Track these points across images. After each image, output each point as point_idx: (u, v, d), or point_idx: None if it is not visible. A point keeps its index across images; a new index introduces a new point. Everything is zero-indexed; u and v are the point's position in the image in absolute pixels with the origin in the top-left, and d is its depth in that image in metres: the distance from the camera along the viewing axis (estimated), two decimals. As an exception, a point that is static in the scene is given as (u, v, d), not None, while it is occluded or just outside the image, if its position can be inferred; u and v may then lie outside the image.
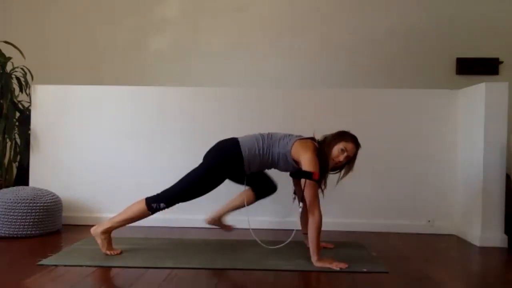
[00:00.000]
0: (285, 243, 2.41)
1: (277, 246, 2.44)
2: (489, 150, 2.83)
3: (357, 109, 3.24)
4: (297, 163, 2.33)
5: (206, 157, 2.45)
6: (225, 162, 2.38)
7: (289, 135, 2.43)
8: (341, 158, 2.29)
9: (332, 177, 2.42)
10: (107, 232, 2.39)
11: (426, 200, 3.20)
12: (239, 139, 2.42)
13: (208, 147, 2.84)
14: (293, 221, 3.02)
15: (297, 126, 2.98)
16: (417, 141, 3.22)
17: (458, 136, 3.18)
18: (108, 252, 2.38)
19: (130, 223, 2.42)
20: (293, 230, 2.45)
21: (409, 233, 3.14)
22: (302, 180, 2.27)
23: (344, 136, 2.32)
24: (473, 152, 2.96)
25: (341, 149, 2.28)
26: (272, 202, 3.16)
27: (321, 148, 2.33)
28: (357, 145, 2.33)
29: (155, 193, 2.41)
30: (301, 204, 2.42)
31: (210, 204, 3.04)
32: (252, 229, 2.49)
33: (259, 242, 2.47)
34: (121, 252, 2.41)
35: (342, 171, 2.39)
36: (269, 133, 2.46)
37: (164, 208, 2.38)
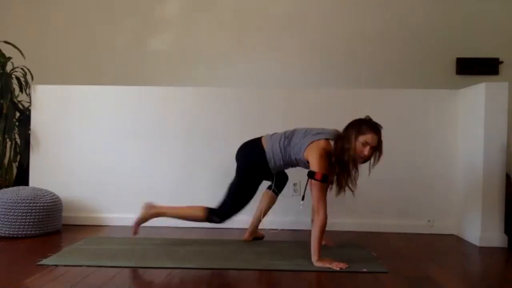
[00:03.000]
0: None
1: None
2: (489, 150, 2.83)
3: (357, 109, 3.21)
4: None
5: (238, 165, 2.56)
6: (256, 171, 2.52)
7: (304, 135, 2.40)
8: (366, 151, 2.22)
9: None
10: (156, 215, 2.56)
11: (426, 200, 3.20)
12: (266, 149, 2.48)
13: (208, 147, 2.84)
14: (293, 221, 3.03)
15: (297, 126, 2.98)
16: (417, 141, 3.22)
17: (458, 136, 3.18)
18: (136, 226, 2.55)
19: (180, 219, 2.60)
20: (298, 230, 2.48)
21: (409, 233, 3.14)
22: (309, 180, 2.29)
23: (360, 129, 2.24)
24: (473, 152, 2.96)
25: (362, 144, 2.22)
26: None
27: (342, 146, 2.26)
28: (377, 132, 2.24)
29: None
30: (301, 202, 2.42)
31: (209, 205, 3.04)
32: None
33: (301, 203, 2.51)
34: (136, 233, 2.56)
35: (372, 160, 2.32)
36: (288, 137, 2.47)
37: (217, 222, 2.53)
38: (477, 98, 2.93)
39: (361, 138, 2.22)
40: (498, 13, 3.93)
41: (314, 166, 2.26)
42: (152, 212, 2.55)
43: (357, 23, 4.02)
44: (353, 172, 2.30)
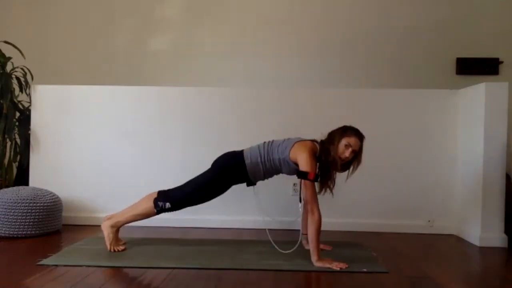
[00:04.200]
0: (296, 246, 2.40)
1: (290, 251, 2.40)
2: (489, 150, 2.83)
3: (357, 109, 3.24)
4: (297, 165, 2.33)
5: (214, 164, 2.49)
6: (230, 171, 2.43)
7: (288, 139, 2.44)
8: (347, 154, 2.28)
9: (341, 174, 2.42)
10: (114, 227, 2.45)
11: (426, 200, 3.20)
12: (244, 150, 2.47)
13: (208, 147, 2.85)
14: (293, 221, 3.02)
15: (297, 126, 3.00)
16: (417, 141, 3.22)
17: (458, 136, 3.18)
18: (109, 248, 2.43)
19: (138, 220, 2.48)
20: (299, 230, 2.46)
21: (409, 233, 3.14)
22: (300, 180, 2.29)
23: (345, 131, 2.32)
24: (473, 152, 2.96)
25: (345, 145, 2.28)
26: (272, 201, 3.17)
27: (326, 146, 2.33)
28: (360, 137, 2.32)
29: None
30: (300, 204, 2.42)
31: (209, 205, 3.05)
32: (249, 229, 2.49)
33: (274, 245, 2.47)
34: (125, 248, 2.46)
35: (351, 168, 2.38)
36: (270, 141, 2.48)
37: (169, 209, 2.42)
38: (477, 98, 2.93)
39: (344, 140, 2.29)
40: (498, 13, 3.93)
41: (305, 166, 2.26)
42: (108, 225, 2.44)
43: (357, 23, 4.02)
44: (334, 173, 2.38)
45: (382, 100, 3.27)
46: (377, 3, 4.00)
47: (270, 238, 2.48)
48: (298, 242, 2.40)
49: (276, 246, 2.45)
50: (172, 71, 4.05)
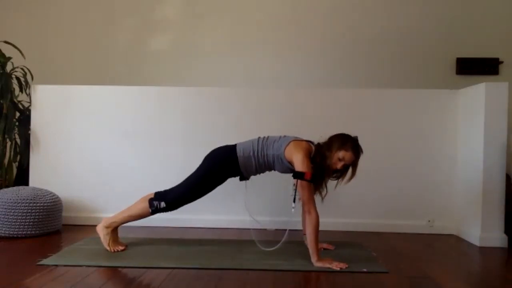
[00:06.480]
0: (279, 244, 2.39)
1: (272, 248, 2.42)
2: (489, 150, 2.83)
3: (357, 109, 3.24)
4: (291, 164, 2.33)
5: (206, 158, 2.49)
6: (221, 164, 2.43)
7: (284, 136, 2.44)
8: (338, 166, 2.29)
9: (332, 181, 2.44)
10: (109, 227, 2.45)
11: (426, 200, 3.20)
12: (237, 144, 2.47)
13: (208, 148, 2.84)
14: (293, 221, 3.02)
15: (298, 126, 2.99)
16: (417, 141, 3.22)
17: (458, 136, 3.18)
18: (108, 248, 2.42)
19: (133, 220, 2.48)
20: (286, 230, 2.43)
21: (409, 233, 3.14)
22: (296, 181, 2.29)
23: (345, 144, 2.28)
24: (473, 152, 2.96)
25: (339, 158, 2.28)
26: (272, 201, 3.17)
27: (323, 151, 2.32)
28: (356, 154, 2.29)
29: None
30: (293, 204, 2.41)
31: (209, 205, 3.06)
32: (252, 229, 2.49)
33: (258, 243, 2.47)
34: (125, 248, 2.46)
35: (340, 179, 2.39)
36: (265, 136, 2.48)
37: (164, 208, 2.42)
38: (477, 98, 2.93)
39: (341, 153, 2.28)
40: (498, 13, 3.93)
41: (301, 166, 2.26)
42: (102, 226, 2.45)
43: (357, 23, 4.02)
44: (326, 179, 2.39)
45: (382, 100, 3.27)
46: (377, 3, 4.00)
47: (253, 237, 2.47)
48: (282, 239, 2.38)
49: (258, 244, 2.45)
50: (172, 71, 4.05)
